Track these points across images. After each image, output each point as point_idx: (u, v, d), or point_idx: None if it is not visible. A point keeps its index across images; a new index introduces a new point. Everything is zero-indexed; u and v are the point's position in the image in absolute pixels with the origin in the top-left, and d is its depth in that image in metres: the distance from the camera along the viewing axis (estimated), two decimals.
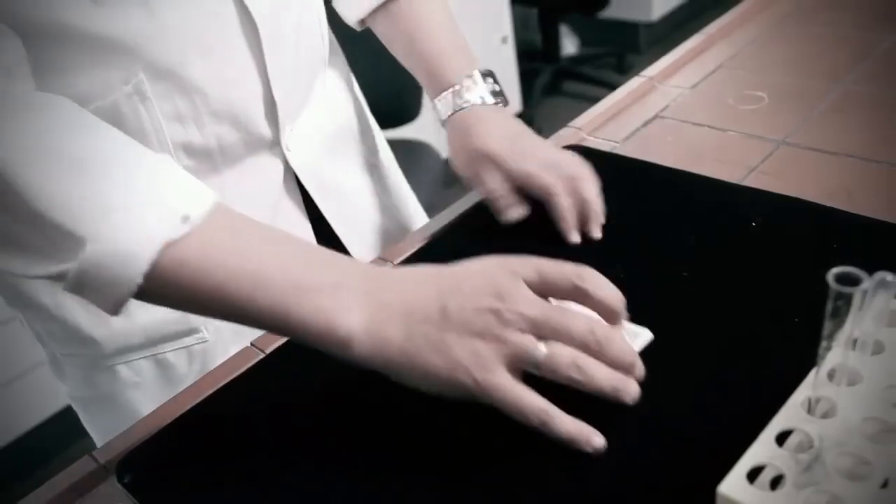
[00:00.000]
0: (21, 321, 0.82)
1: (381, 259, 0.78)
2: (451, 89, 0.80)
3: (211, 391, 0.65)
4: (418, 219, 1.01)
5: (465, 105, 0.79)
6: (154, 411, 0.65)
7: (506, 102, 0.81)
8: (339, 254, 0.57)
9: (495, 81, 0.81)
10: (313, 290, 0.53)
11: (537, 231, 0.74)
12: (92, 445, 0.88)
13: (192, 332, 0.78)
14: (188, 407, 0.64)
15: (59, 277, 0.52)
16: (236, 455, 0.58)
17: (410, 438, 0.57)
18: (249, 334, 0.79)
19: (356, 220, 0.90)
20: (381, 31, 0.87)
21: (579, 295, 0.54)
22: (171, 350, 0.78)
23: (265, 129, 0.75)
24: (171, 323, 0.77)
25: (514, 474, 0.53)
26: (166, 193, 0.53)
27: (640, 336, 0.59)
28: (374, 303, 0.53)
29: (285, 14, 0.74)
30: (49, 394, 1.92)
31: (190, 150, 0.71)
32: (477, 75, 0.80)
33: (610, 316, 0.55)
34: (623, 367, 0.53)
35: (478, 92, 0.79)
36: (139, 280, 0.51)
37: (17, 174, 0.50)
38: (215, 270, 0.53)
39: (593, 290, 0.54)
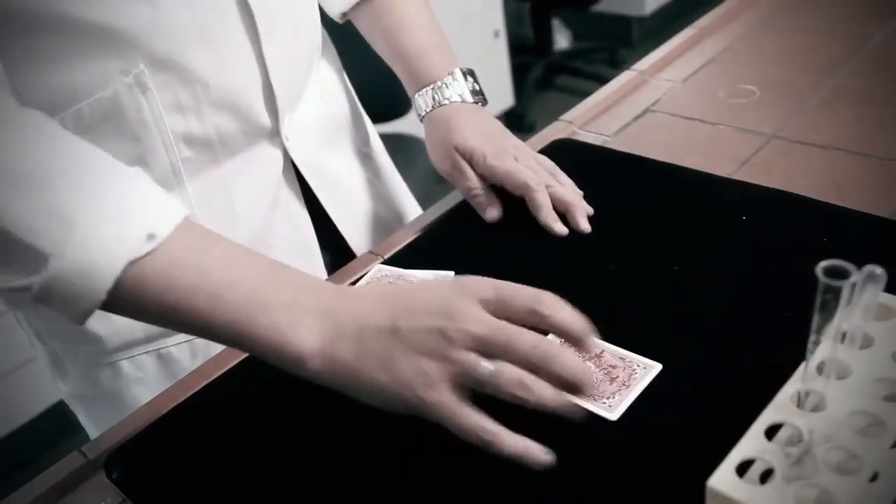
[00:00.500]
0: (18, 321, 0.82)
1: (372, 253, 0.78)
2: (431, 85, 0.80)
3: (200, 386, 0.65)
4: (412, 208, 1.01)
5: (444, 101, 0.79)
6: (142, 407, 0.65)
7: (485, 102, 0.82)
8: (299, 271, 0.57)
9: (475, 80, 0.82)
10: (270, 308, 0.53)
11: (528, 224, 0.74)
12: (85, 441, 0.88)
13: None
14: (177, 402, 0.64)
15: (23, 290, 0.53)
16: (225, 449, 0.58)
17: (402, 432, 0.57)
18: None
19: (353, 210, 0.89)
20: (363, 26, 0.87)
21: (536, 318, 0.53)
22: (174, 344, 0.78)
23: (265, 119, 0.75)
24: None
25: (507, 470, 0.53)
26: (132, 211, 0.53)
27: (651, 369, 0.58)
28: (328, 321, 0.54)
29: (281, 2, 0.74)
30: (43, 389, 1.91)
31: (190, 141, 0.71)
32: (458, 73, 0.81)
33: (573, 340, 0.54)
34: (569, 386, 0.52)
35: (458, 90, 0.80)
36: (102, 296, 0.52)
37: None
38: (176, 287, 0.53)
39: (550, 313, 0.52)
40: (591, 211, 0.74)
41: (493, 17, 2.78)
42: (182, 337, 0.78)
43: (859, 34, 1.00)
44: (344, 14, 0.87)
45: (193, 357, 0.79)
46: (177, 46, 0.66)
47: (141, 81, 0.66)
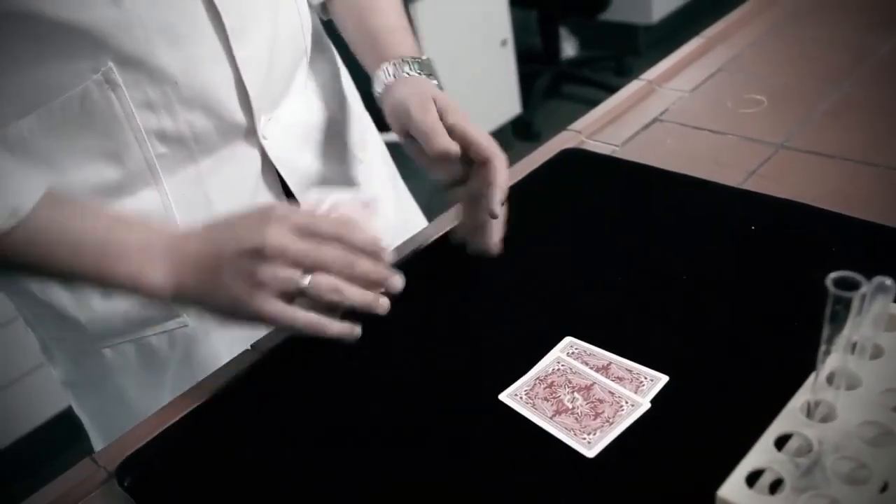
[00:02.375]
0: (18, 308, 0.83)
1: None
2: (395, 60, 0.78)
3: (211, 394, 0.65)
4: (414, 219, 1.01)
5: (408, 73, 0.78)
6: (154, 414, 0.66)
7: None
8: (151, 218, 0.69)
9: (433, 76, 0.80)
10: (122, 254, 0.64)
11: (534, 237, 0.74)
12: (92, 449, 0.89)
13: (172, 316, 0.78)
14: (189, 409, 0.64)
15: None
16: (236, 456, 0.58)
17: (408, 441, 0.57)
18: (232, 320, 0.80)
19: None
20: (337, 12, 0.87)
21: (340, 241, 0.64)
22: (154, 334, 0.79)
23: (239, 117, 0.75)
24: (151, 307, 0.77)
25: (515, 475, 0.53)
26: None
27: (658, 381, 0.58)
28: (172, 258, 0.64)
29: (254, 3, 0.74)
30: (50, 396, 1.92)
31: (163, 138, 0.71)
32: (425, 60, 0.79)
33: (373, 256, 0.65)
34: (375, 285, 0.66)
35: (425, 69, 0.78)
36: None
37: None
38: (41, 249, 0.63)
39: (350, 240, 0.64)
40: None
41: (500, 26, 2.79)
42: (160, 327, 0.79)
43: (866, 44, 1.00)
44: (323, 5, 0.88)
45: (173, 348, 0.80)
46: (144, 45, 0.67)
47: (110, 79, 0.66)
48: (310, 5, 0.87)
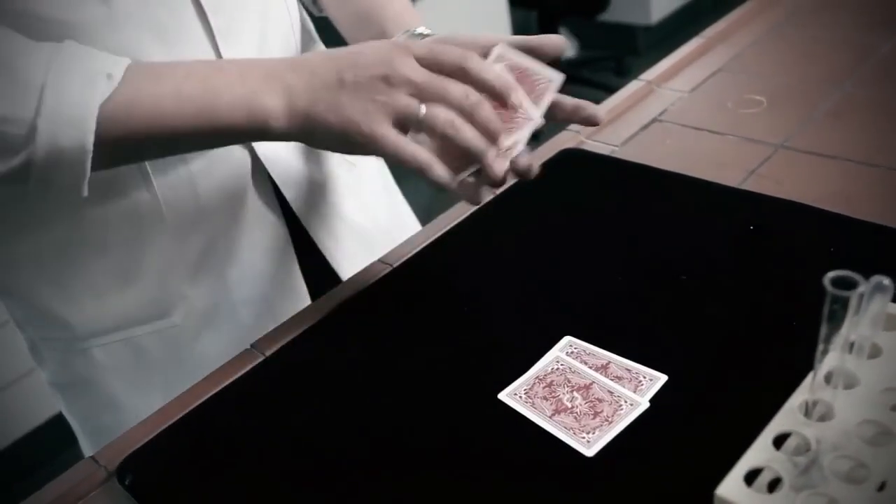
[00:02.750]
0: (9, 309, 0.83)
1: (383, 262, 0.78)
2: (409, 31, 0.79)
3: (212, 393, 0.65)
4: (408, 224, 1.00)
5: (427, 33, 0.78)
6: (154, 413, 0.66)
7: None
8: (244, 58, 0.68)
9: None
10: (227, 87, 0.61)
11: (536, 236, 0.74)
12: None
13: (161, 315, 0.78)
14: (189, 408, 0.64)
15: (20, 171, 0.59)
16: (237, 456, 0.59)
17: (407, 440, 0.57)
18: (221, 320, 0.80)
19: (329, 218, 0.88)
20: (330, 2, 0.87)
21: (464, 73, 0.61)
22: (143, 334, 0.79)
23: None
24: (140, 306, 0.77)
25: (514, 474, 0.53)
26: (87, 62, 0.60)
27: (657, 381, 0.58)
28: (279, 84, 0.61)
29: (242, 3, 0.74)
30: (47, 398, 1.92)
31: None
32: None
33: (496, 96, 0.62)
34: (488, 133, 0.61)
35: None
36: (90, 141, 0.58)
37: None
38: (142, 106, 0.61)
39: (476, 71, 0.61)
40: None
41: (500, 26, 2.79)
42: (150, 326, 0.79)
43: (867, 44, 1.01)
44: None
45: (162, 348, 0.80)
46: (133, 44, 0.67)
47: None
48: (302, 5, 0.87)
